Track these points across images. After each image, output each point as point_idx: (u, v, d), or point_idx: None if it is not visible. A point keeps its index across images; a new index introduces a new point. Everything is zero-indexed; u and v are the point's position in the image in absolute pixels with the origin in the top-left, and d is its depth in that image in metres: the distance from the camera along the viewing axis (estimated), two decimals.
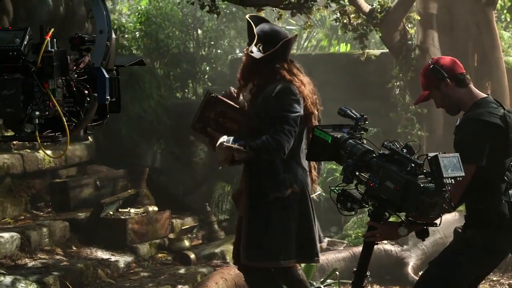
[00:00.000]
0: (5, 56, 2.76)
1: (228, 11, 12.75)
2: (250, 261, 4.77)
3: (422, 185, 3.32)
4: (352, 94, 10.41)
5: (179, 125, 11.15)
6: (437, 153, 3.38)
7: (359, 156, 3.54)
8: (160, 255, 8.50)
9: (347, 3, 9.48)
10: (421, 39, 10.25)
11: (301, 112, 4.66)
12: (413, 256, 7.72)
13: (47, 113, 2.77)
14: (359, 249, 7.62)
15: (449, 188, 3.36)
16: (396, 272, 7.37)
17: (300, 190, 4.73)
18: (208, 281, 6.52)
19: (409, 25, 9.98)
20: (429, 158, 3.38)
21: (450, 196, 3.41)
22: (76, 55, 2.97)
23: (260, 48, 4.70)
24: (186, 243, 8.69)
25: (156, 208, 9.20)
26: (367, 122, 3.75)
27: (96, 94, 2.87)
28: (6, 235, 7.25)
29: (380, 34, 10.01)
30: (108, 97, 2.90)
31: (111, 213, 8.65)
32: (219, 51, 13.28)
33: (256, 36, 4.71)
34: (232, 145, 4.62)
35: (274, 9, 9.14)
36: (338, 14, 9.64)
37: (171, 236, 8.80)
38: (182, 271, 7.75)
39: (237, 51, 13.73)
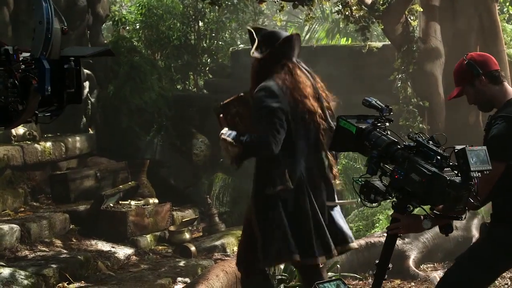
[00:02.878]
0: None
1: (229, 3, 12.72)
2: (265, 261, 4.76)
3: (448, 178, 3.29)
4: (354, 87, 10.37)
5: (180, 117, 11.14)
6: (465, 145, 3.34)
7: (384, 147, 3.50)
8: (160, 247, 8.48)
9: None
10: (424, 31, 10.21)
11: (278, 106, 4.63)
12: (414, 249, 7.69)
13: None
14: (360, 242, 7.62)
15: (475, 181, 3.32)
16: (397, 265, 7.33)
17: (295, 185, 4.70)
18: (208, 273, 6.49)
19: (412, 17, 9.94)
20: (456, 150, 3.35)
21: (476, 190, 3.36)
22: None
23: (263, 50, 4.74)
24: (187, 235, 8.67)
25: (156, 200, 9.19)
26: (392, 113, 3.71)
27: (36, 85, 2.83)
28: (6, 227, 7.23)
29: (382, 27, 9.98)
30: (49, 87, 2.85)
31: (111, 205, 8.63)
32: (220, 43, 13.24)
33: (257, 40, 4.77)
34: (226, 138, 4.66)
35: (276, 0, 9.10)
36: (340, 6, 9.60)
37: (172, 228, 8.78)
38: (182, 263, 7.73)
39: (238, 43, 13.69)
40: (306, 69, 4.91)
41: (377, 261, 3.73)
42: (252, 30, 4.88)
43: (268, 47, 4.76)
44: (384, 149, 3.50)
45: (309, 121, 4.76)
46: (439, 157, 3.36)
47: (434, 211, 3.64)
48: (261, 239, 4.72)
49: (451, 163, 3.37)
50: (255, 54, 4.77)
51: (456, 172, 3.35)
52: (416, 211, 3.67)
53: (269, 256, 4.70)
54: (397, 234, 3.73)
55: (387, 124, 3.67)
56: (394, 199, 3.60)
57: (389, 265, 3.71)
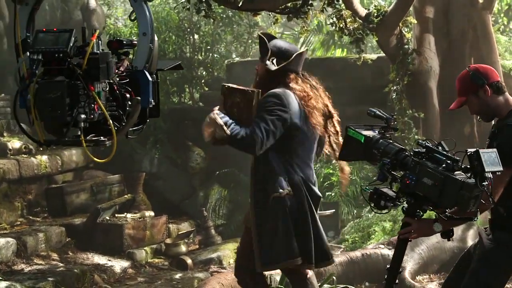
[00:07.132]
0: (51, 58, 2.69)
1: (224, 16, 12.74)
2: (264, 266, 4.76)
3: (461, 180, 3.39)
4: (349, 99, 10.39)
5: (176, 130, 11.14)
6: (477, 148, 3.46)
7: (393, 154, 3.63)
8: (156, 260, 8.48)
9: (343, 8, 9.47)
10: (418, 43, 10.25)
11: (284, 117, 4.67)
12: (410, 261, 7.69)
13: (92, 116, 2.72)
14: (356, 253, 7.63)
15: (490, 181, 3.44)
16: None
17: (296, 194, 4.72)
18: (204, 286, 6.49)
19: (406, 29, 9.97)
20: (470, 153, 3.45)
21: (491, 190, 3.47)
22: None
23: (274, 61, 4.83)
24: (183, 248, 8.67)
25: (152, 213, 9.19)
26: (396, 122, 3.83)
27: (139, 98, 2.83)
28: (2, 240, 7.23)
29: (377, 39, 10.00)
30: (152, 100, 2.87)
31: (107, 218, 8.63)
32: (215, 55, 13.26)
33: (270, 51, 4.83)
34: (218, 119, 4.65)
35: (270, 13, 9.13)
36: (335, 18, 9.63)
37: (168, 241, 8.78)
38: (178, 276, 7.72)
39: (234, 56, 13.72)
40: (311, 82, 4.98)
41: (388, 266, 3.78)
42: (265, 39, 4.94)
43: (282, 61, 4.82)
44: (394, 156, 3.62)
45: (311, 132, 4.81)
46: (449, 161, 3.47)
47: (446, 213, 3.70)
48: (260, 243, 4.73)
49: (462, 166, 3.48)
50: (269, 65, 4.82)
51: (467, 174, 3.45)
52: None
53: (268, 260, 4.71)
54: (408, 238, 3.79)
55: (393, 132, 3.79)
56: (405, 204, 3.67)
57: (400, 269, 3.78)
